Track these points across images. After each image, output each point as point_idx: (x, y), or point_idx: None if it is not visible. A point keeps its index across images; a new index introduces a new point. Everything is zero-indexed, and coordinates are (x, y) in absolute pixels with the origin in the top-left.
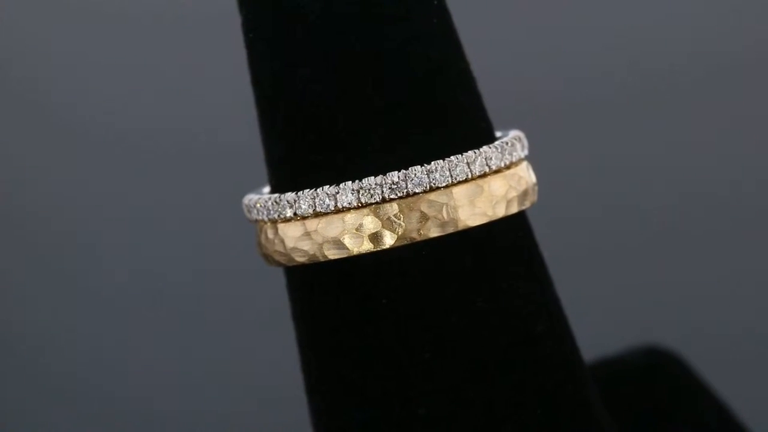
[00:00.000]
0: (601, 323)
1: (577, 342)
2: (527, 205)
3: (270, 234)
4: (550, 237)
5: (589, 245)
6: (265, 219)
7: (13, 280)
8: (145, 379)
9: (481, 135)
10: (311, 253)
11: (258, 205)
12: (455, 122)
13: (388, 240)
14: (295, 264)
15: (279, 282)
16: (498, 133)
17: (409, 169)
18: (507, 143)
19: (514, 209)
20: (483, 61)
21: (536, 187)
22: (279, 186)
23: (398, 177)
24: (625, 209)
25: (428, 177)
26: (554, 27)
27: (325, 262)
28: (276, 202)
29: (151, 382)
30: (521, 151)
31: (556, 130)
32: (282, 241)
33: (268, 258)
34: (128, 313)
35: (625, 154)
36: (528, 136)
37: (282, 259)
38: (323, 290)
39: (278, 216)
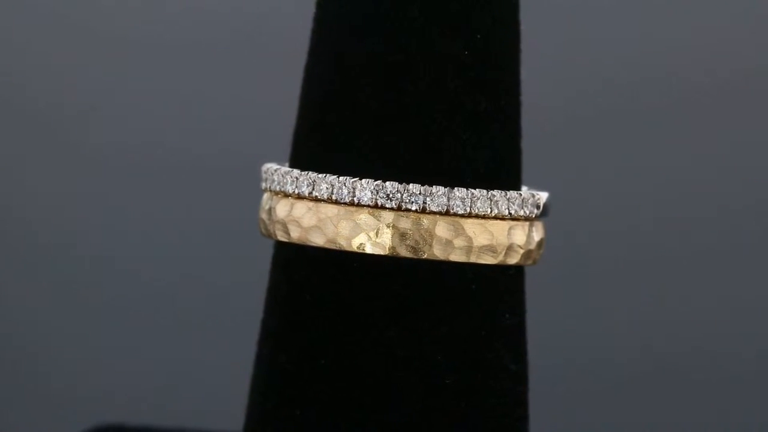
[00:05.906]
0: None
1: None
2: (487, 261)
3: (261, 201)
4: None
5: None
6: (262, 187)
7: (12, 281)
8: (143, 379)
9: (475, 178)
10: (269, 228)
11: (262, 172)
12: (442, 154)
13: (320, 240)
14: (263, 235)
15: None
16: (524, 187)
17: (362, 180)
18: (486, 193)
19: (459, 258)
20: None
21: (519, 250)
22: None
23: (359, 183)
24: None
25: (377, 194)
26: (558, 33)
27: (282, 243)
28: (264, 172)
29: (150, 383)
30: (511, 208)
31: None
32: (261, 209)
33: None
34: (128, 314)
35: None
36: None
37: (258, 226)
38: (274, 270)
39: (263, 186)
